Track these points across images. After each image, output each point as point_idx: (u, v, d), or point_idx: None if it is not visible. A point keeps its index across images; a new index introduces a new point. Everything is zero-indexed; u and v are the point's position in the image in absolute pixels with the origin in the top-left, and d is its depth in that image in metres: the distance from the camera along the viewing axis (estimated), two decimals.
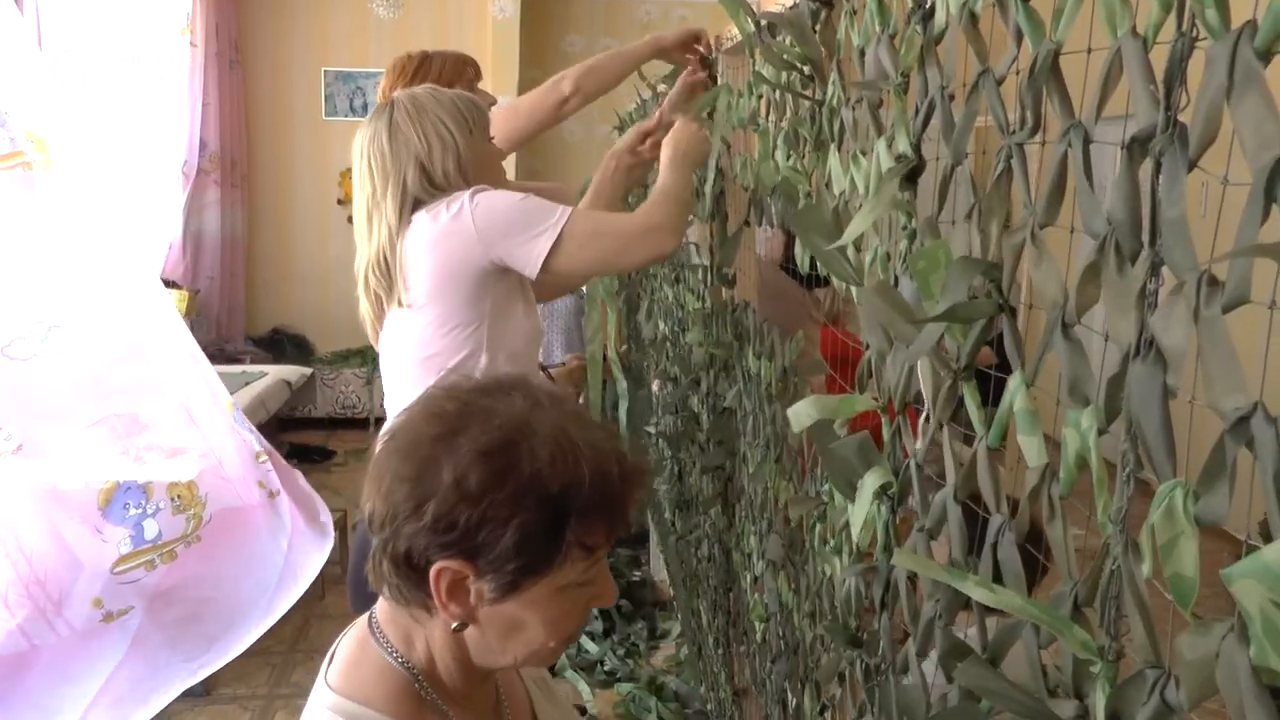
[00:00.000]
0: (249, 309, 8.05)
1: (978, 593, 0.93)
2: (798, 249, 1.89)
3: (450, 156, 2.21)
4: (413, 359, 2.28)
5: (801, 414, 1.37)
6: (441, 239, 2.16)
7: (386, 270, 2.24)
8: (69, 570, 2.83)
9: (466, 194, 2.17)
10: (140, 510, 2.93)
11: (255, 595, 3.23)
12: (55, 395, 2.86)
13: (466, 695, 1.22)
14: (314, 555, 3.19)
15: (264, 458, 3.26)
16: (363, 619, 1.25)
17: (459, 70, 2.85)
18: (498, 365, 2.25)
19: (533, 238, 2.13)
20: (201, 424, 3.14)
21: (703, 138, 2.40)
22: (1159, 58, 0.80)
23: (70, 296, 2.89)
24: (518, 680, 1.38)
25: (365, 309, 2.36)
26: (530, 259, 2.15)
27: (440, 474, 1.06)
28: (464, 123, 2.25)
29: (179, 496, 3.01)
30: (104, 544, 2.88)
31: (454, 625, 1.12)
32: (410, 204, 2.21)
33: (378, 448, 1.15)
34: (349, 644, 1.23)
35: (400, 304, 2.25)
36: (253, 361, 7.04)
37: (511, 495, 1.05)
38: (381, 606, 1.22)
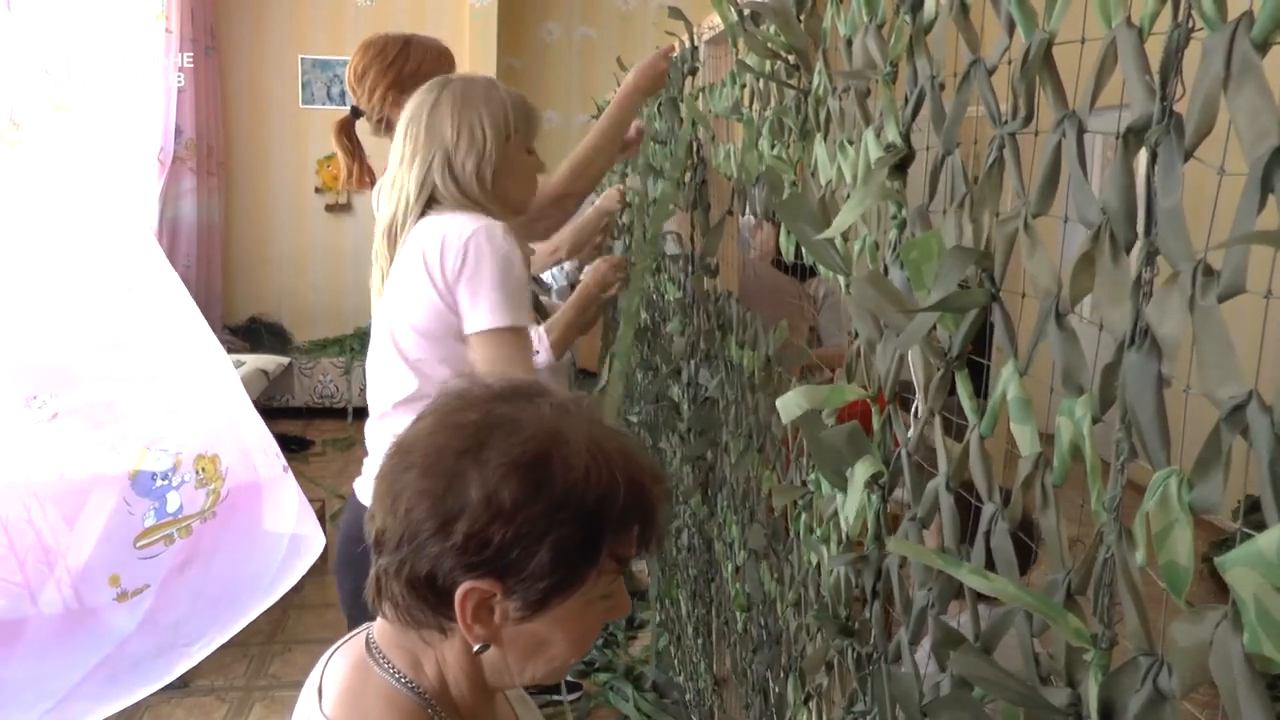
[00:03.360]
0: (226, 298, 8.00)
1: (972, 580, 0.93)
2: (782, 238, 1.90)
3: (473, 157, 2.17)
4: (393, 354, 2.22)
5: (791, 404, 1.37)
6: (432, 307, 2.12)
7: (393, 243, 2.21)
8: (93, 542, 2.84)
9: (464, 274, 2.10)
10: (166, 482, 2.94)
11: (258, 575, 3.23)
12: (87, 364, 2.88)
13: (475, 717, 1.16)
14: (313, 535, 3.21)
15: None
16: (356, 643, 1.18)
17: (437, 63, 2.80)
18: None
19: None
20: (227, 384, 3.16)
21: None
22: (1152, 48, 0.81)
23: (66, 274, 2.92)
24: (504, 700, 1.31)
25: (374, 277, 2.31)
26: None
27: (468, 490, 1.00)
28: (503, 128, 2.21)
29: (203, 469, 3.02)
30: (130, 515, 2.89)
31: (477, 648, 1.07)
32: (429, 188, 2.17)
33: (386, 463, 1.08)
34: (344, 671, 1.15)
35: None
36: (230, 350, 6.95)
37: (546, 510, 1.00)
38: (382, 629, 1.15)
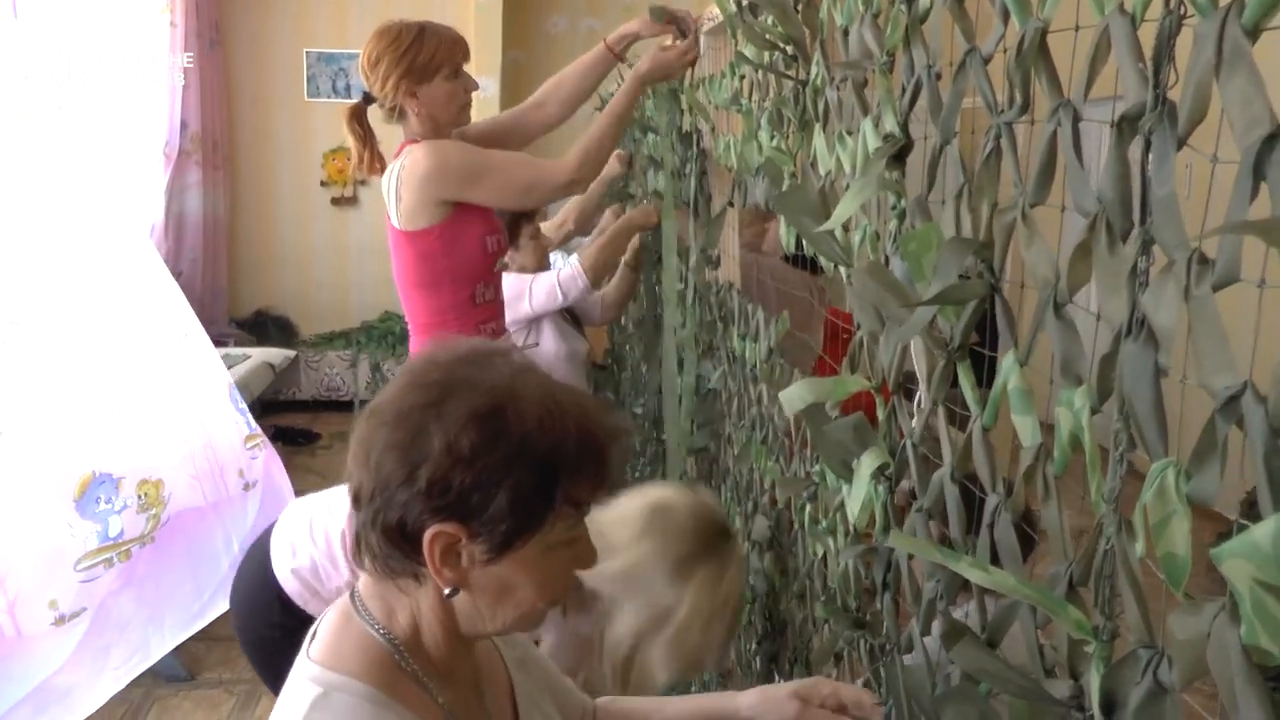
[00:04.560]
0: (232, 291, 7.99)
1: (972, 574, 0.93)
2: (782, 230, 1.89)
3: None
4: None
5: (794, 397, 1.36)
6: None
7: None
8: (34, 566, 2.79)
9: None
10: (109, 505, 2.91)
11: (189, 600, 3.21)
12: (39, 379, 2.84)
13: (449, 668, 1.24)
14: None
15: (253, 442, 3.24)
16: (345, 596, 1.27)
17: (451, 52, 2.78)
18: None
19: None
20: (191, 405, 3.11)
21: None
22: (1146, 36, 0.80)
23: (44, 281, 2.88)
24: (499, 661, 1.40)
25: None
26: None
27: (431, 440, 1.08)
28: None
29: (145, 494, 2.98)
30: (72, 538, 2.85)
31: (447, 591, 1.14)
32: None
33: (361, 426, 1.16)
34: (331, 620, 1.25)
35: None
36: (236, 344, 6.99)
37: (503, 457, 1.08)
38: (365, 582, 1.23)
